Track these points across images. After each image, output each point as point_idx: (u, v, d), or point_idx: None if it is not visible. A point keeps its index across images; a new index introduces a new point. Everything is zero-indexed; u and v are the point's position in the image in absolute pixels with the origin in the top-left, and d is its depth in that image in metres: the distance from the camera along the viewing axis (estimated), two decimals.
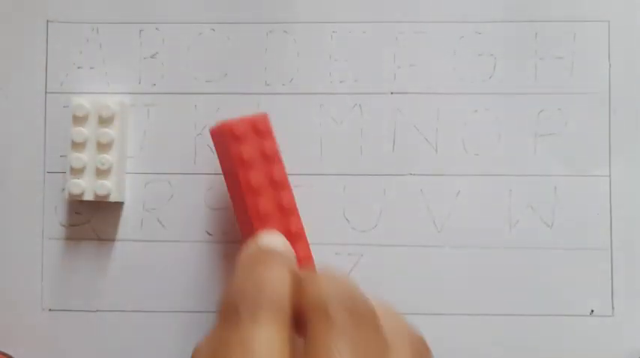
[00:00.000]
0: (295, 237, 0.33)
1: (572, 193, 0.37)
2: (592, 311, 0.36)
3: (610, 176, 0.37)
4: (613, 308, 0.36)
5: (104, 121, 0.36)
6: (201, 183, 0.37)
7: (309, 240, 0.37)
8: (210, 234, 0.37)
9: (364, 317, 0.24)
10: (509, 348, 0.31)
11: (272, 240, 0.31)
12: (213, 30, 0.38)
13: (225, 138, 0.32)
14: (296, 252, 0.32)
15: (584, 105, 0.37)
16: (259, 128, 0.33)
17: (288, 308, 0.25)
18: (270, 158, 0.33)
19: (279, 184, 0.33)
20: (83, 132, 0.36)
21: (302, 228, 0.33)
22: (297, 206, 0.35)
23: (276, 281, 0.25)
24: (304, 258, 0.33)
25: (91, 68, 0.38)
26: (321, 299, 0.24)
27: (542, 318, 0.36)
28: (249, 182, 0.32)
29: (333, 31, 0.37)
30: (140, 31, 0.38)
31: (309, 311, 0.24)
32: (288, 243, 0.31)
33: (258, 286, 0.25)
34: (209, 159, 0.37)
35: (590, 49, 0.37)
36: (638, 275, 0.37)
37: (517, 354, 0.35)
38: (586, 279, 0.37)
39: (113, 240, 0.37)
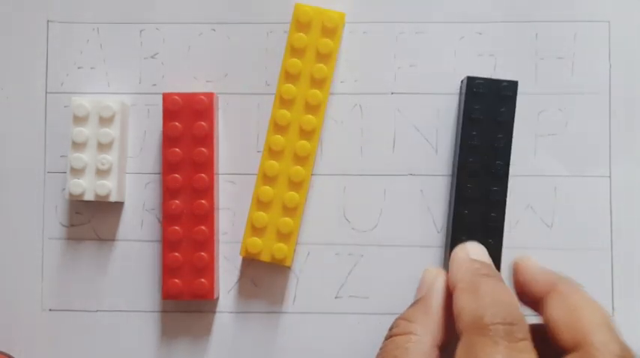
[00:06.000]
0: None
1: (572, 193, 0.37)
2: None
3: (610, 176, 0.37)
4: (613, 308, 0.36)
5: (104, 121, 0.36)
6: None
7: (309, 240, 0.37)
8: None
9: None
10: None
11: (480, 251, 0.32)
12: (214, 30, 0.38)
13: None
14: None
15: (584, 105, 0.37)
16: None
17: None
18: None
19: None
20: (84, 132, 0.36)
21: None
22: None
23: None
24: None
25: (92, 68, 0.38)
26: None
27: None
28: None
29: None
30: (141, 31, 0.38)
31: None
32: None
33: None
34: None
35: (590, 49, 0.37)
36: (638, 275, 0.36)
37: None
38: (586, 279, 0.36)
39: (113, 240, 0.37)
